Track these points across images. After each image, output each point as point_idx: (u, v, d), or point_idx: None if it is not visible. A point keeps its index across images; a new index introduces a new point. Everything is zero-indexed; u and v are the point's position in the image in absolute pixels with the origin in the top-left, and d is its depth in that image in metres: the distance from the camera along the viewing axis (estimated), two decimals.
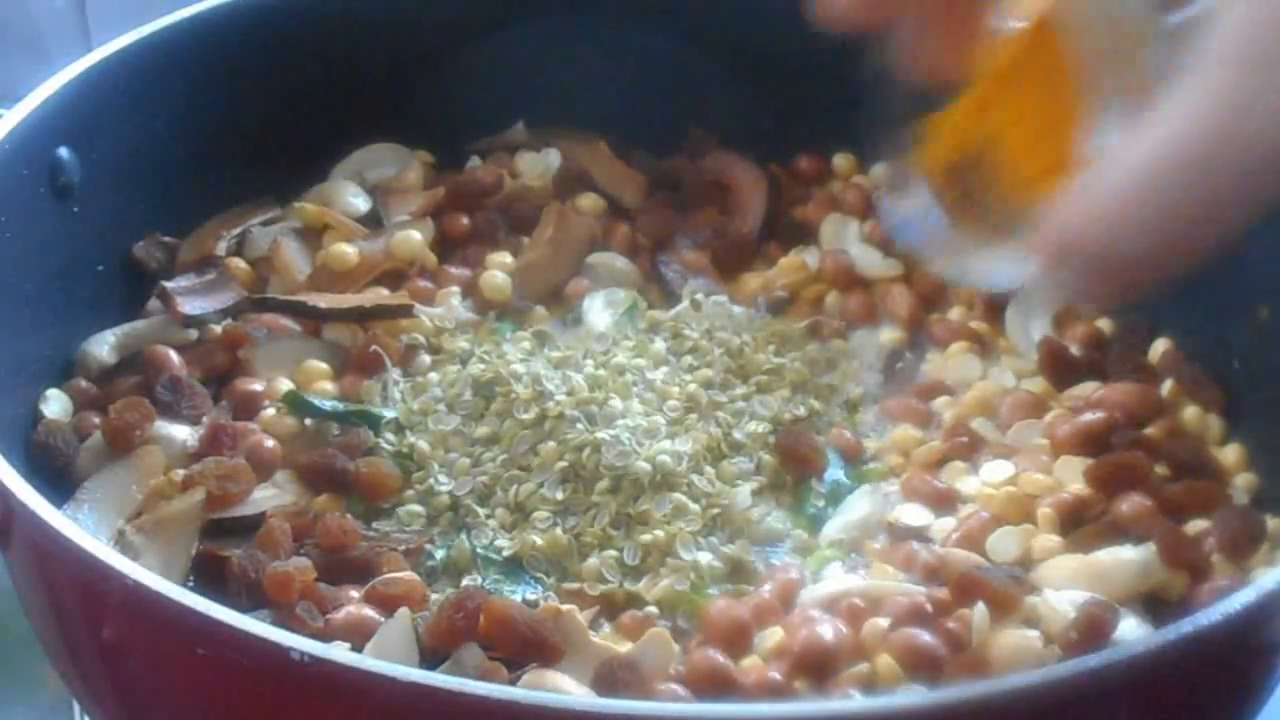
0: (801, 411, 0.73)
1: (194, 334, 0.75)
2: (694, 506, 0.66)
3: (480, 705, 0.47)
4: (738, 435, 0.70)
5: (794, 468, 0.70)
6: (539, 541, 0.65)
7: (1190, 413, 0.72)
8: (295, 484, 0.68)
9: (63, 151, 0.72)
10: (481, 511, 0.67)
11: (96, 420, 0.69)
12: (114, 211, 0.76)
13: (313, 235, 0.81)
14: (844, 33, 0.56)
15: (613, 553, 0.65)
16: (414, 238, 0.81)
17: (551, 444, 0.68)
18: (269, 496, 0.67)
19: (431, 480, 0.68)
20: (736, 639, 0.61)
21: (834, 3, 0.56)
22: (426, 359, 0.75)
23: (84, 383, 0.72)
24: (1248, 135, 0.46)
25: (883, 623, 0.60)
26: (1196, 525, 0.66)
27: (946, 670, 0.59)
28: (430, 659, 0.59)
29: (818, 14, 0.56)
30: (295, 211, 0.82)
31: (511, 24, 0.85)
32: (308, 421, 0.71)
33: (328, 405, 0.72)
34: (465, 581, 0.64)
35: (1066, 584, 0.63)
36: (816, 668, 0.59)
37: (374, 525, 0.67)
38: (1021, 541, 0.65)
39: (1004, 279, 0.61)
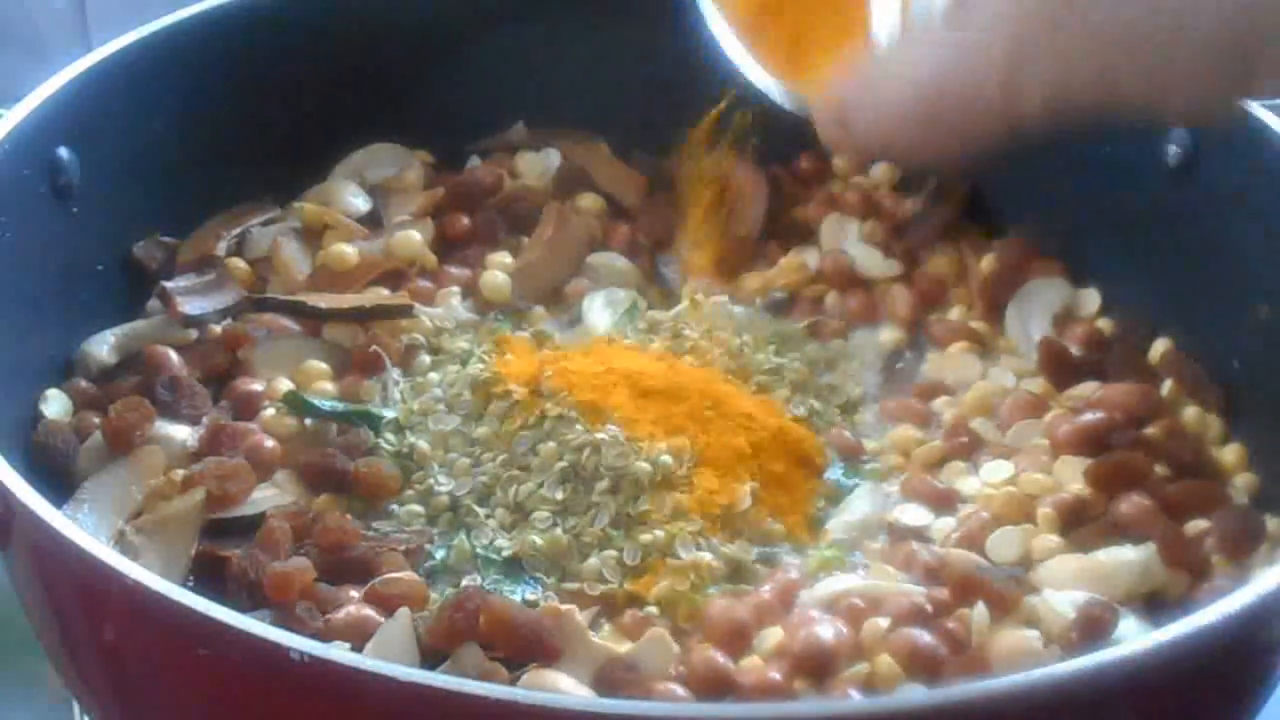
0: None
1: (194, 334, 0.75)
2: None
3: (480, 705, 0.47)
4: None
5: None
6: (539, 541, 0.65)
7: (1190, 413, 0.72)
8: (295, 484, 0.68)
9: (63, 151, 0.72)
10: (481, 511, 0.67)
11: (96, 420, 0.69)
12: (114, 211, 0.76)
13: (313, 235, 0.81)
14: None
15: (613, 553, 0.65)
16: (414, 238, 0.81)
17: (551, 444, 0.68)
18: (269, 496, 0.67)
19: (431, 480, 0.68)
20: (736, 639, 0.61)
21: None
22: (426, 359, 0.75)
23: (84, 383, 0.72)
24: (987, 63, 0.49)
25: (883, 623, 0.60)
26: (1196, 525, 0.66)
27: (946, 670, 0.58)
28: (430, 659, 0.59)
29: None
30: (295, 211, 0.82)
31: (511, 24, 0.85)
32: (308, 421, 0.71)
33: (328, 405, 0.72)
34: (465, 581, 0.64)
35: (1066, 584, 0.63)
36: (816, 668, 0.59)
37: (374, 525, 0.67)
38: (1021, 541, 0.65)
39: (788, 103, 0.64)
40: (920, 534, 0.67)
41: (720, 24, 0.56)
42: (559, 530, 0.66)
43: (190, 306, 0.75)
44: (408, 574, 0.63)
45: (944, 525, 0.67)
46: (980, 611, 0.60)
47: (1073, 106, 0.49)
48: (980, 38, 0.47)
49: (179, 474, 0.67)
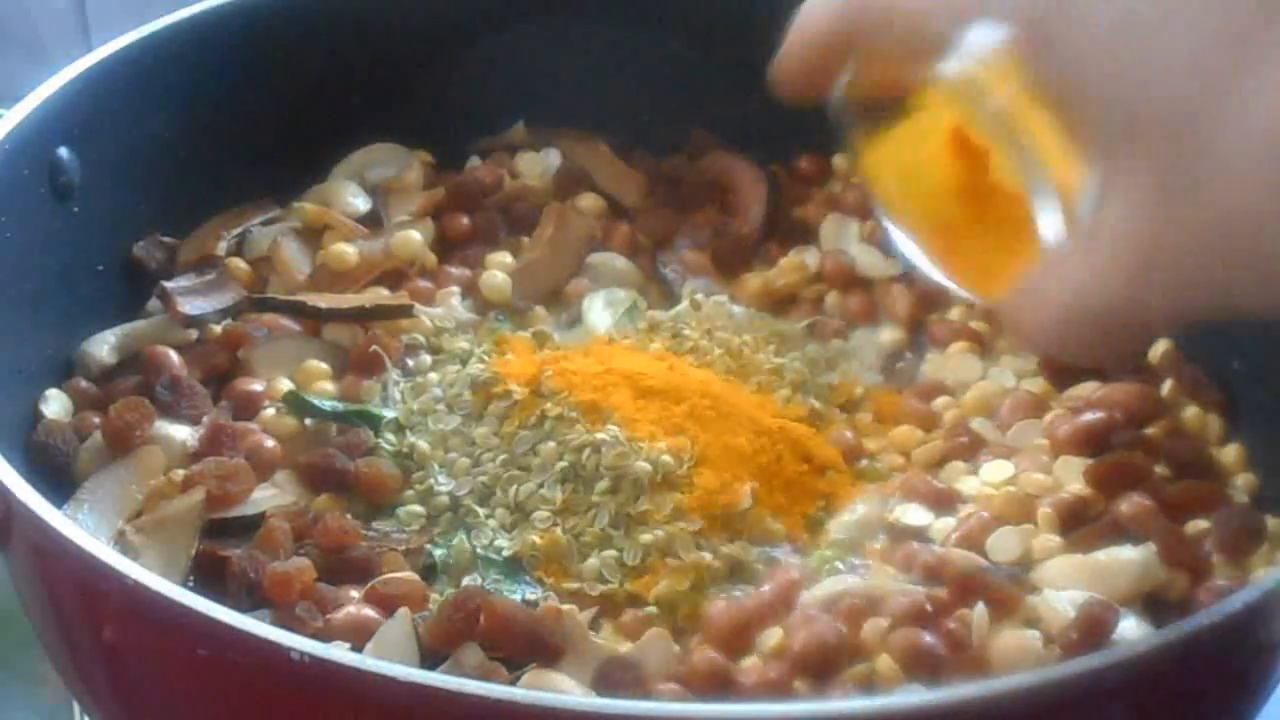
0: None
1: (194, 334, 0.75)
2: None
3: (480, 705, 0.47)
4: None
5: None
6: (539, 541, 0.65)
7: (1190, 413, 0.72)
8: (295, 484, 0.68)
9: (63, 151, 0.72)
10: (481, 511, 0.67)
11: (96, 420, 0.69)
12: (114, 211, 0.76)
13: (313, 235, 0.81)
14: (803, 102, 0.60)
15: (613, 553, 0.65)
16: (414, 238, 0.81)
17: (551, 444, 0.68)
18: (269, 496, 0.67)
19: (431, 480, 0.68)
20: (736, 639, 0.61)
21: (788, 71, 0.60)
22: (426, 359, 0.75)
23: (84, 383, 0.72)
24: (1161, 279, 0.51)
25: (883, 623, 0.60)
26: (1196, 525, 0.66)
27: (946, 670, 0.58)
28: (430, 659, 0.59)
29: (777, 87, 0.60)
30: (295, 211, 0.82)
31: (511, 24, 0.85)
32: (308, 421, 0.71)
33: (328, 405, 0.72)
34: (465, 581, 0.64)
35: (1066, 584, 0.63)
36: (816, 668, 0.59)
37: (374, 525, 0.67)
38: (1021, 541, 0.65)
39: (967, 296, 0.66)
40: (920, 534, 0.67)
41: (910, 247, 0.59)
42: (559, 530, 0.66)
43: (190, 306, 0.75)
44: (408, 574, 0.63)
45: (944, 525, 0.67)
46: (980, 611, 0.60)
47: (1197, 314, 0.53)
48: (1109, 258, 0.51)
49: (179, 474, 0.67)
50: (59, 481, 0.66)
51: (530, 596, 0.64)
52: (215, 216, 0.81)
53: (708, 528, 0.66)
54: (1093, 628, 0.59)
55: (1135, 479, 0.67)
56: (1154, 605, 0.63)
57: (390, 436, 0.71)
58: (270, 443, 0.69)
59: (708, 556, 0.65)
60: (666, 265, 0.82)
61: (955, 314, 0.79)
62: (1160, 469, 0.68)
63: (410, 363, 0.75)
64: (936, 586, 0.62)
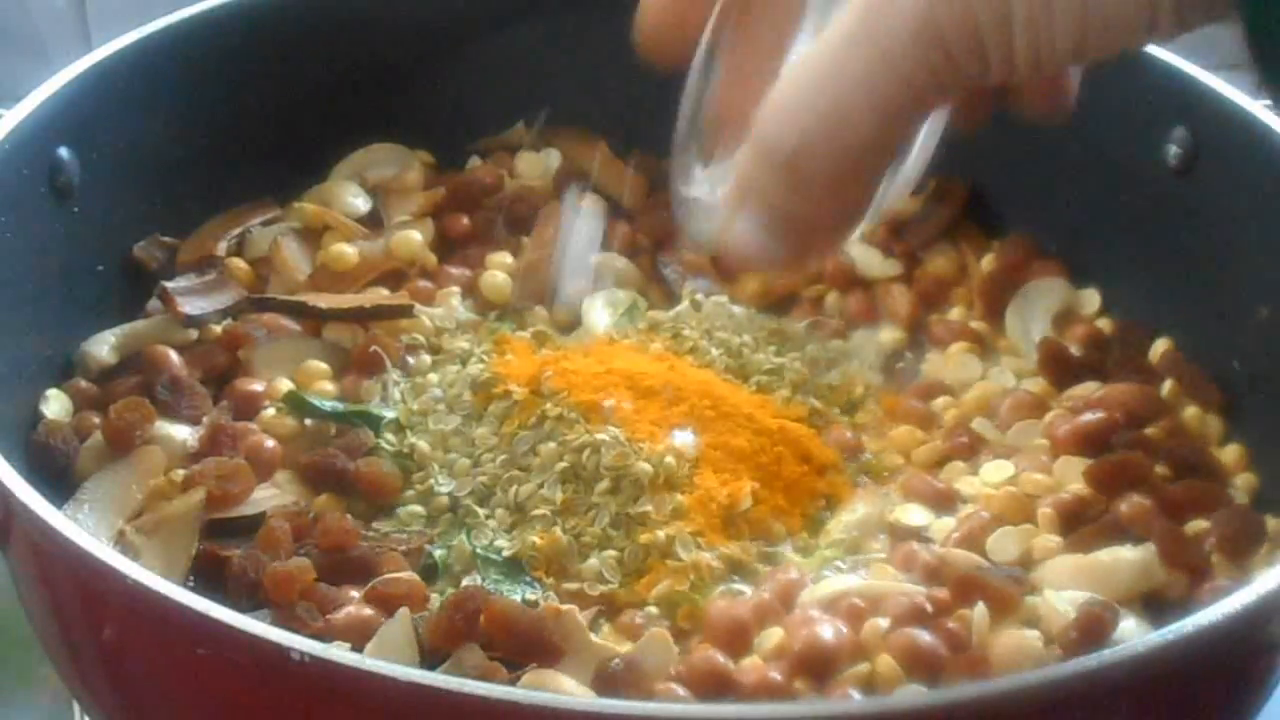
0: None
1: (194, 334, 0.75)
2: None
3: (480, 705, 0.47)
4: None
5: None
6: (539, 542, 0.65)
7: (1190, 413, 0.72)
8: (295, 484, 0.68)
9: (63, 151, 0.72)
10: (481, 512, 0.67)
11: (96, 420, 0.69)
12: (114, 211, 0.76)
13: (313, 235, 0.81)
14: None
15: (613, 553, 0.65)
16: (414, 238, 0.81)
17: (551, 444, 0.68)
18: (269, 496, 0.67)
19: (431, 480, 0.68)
20: (736, 639, 0.61)
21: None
22: (427, 359, 0.75)
23: (84, 383, 0.72)
24: (894, 16, 0.48)
25: (883, 623, 0.60)
26: (1196, 525, 0.66)
27: (946, 670, 0.59)
28: (430, 659, 0.59)
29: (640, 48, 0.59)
30: (295, 211, 0.82)
31: (513, 24, 0.85)
32: (308, 421, 0.71)
33: (328, 405, 0.72)
34: (465, 581, 0.64)
35: (1066, 584, 0.63)
36: (816, 668, 0.59)
37: (374, 525, 0.67)
38: (1021, 541, 0.65)
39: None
40: (920, 534, 0.67)
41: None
42: (559, 530, 0.66)
43: (190, 306, 0.75)
44: (408, 574, 0.63)
45: (944, 525, 0.67)
46: (980, 611, 0.60)
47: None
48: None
49: (179, 474, 0.67)
50: (59, 481, 0.66)
51: (530, 596, 0.64)
52: (215, 216, 0.81)
53: (708, 528, 0.66)
54: (1093, 628, 0.59)
55: (1135, 479, 0.67)
56: (1154, 605, 0.63)
57: (390, 436, 0.71)
58: (270, 443, 0.69)
59: (708, 556, 0.65)
60: (666, 265, 0.82)
61: (955, 314, 0.79)
62: (1160, 469, 0.68)
63: (410, 362, 0.75)
64: (936, 586, 0.62)
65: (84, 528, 0.59)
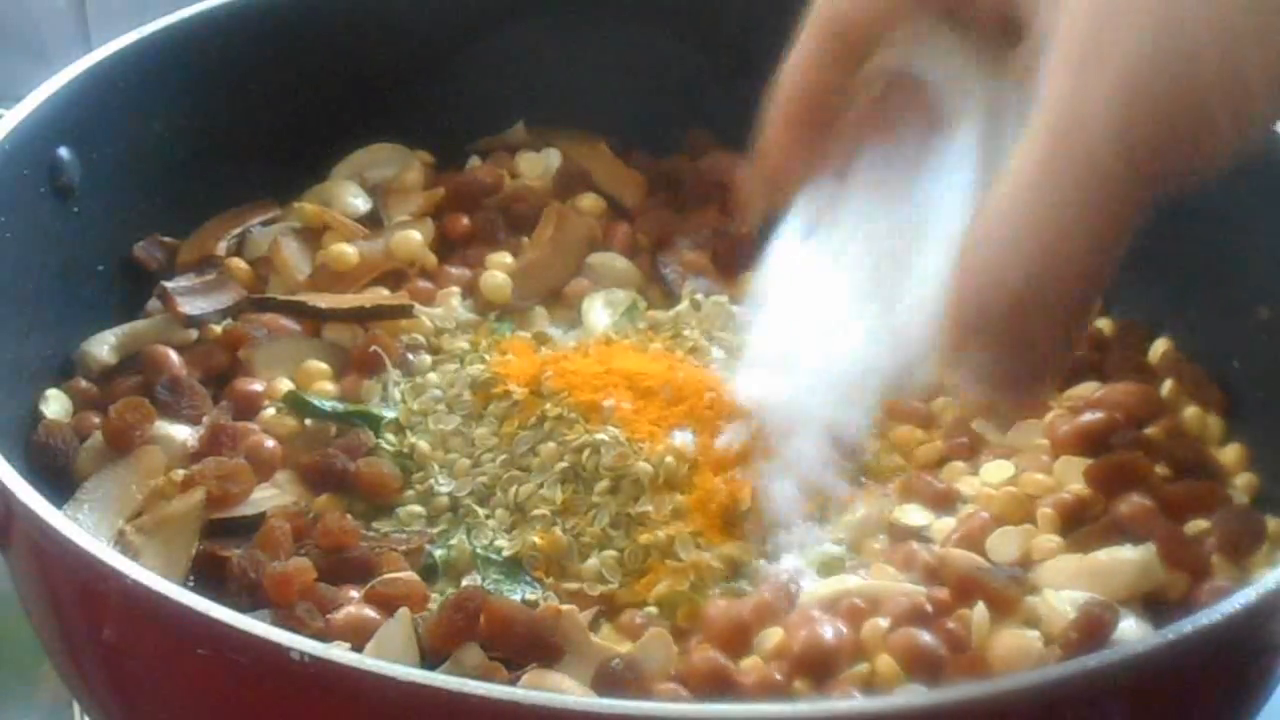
0: None
1: (194, 334, 0.75)
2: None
3: (480, 705, 0.47)
4: None
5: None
6: (539, 542, 0.65)
7: (1190, 413, 0.72)
8: (295, 484, 0.68)
9: (63, 151, 0.72)
10: (481, 511, 0.67)
11: (96, 420, 0.69)
12: (114, 211, 0.76)
13: (313, 235, 0.81)
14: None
15: (613, 553, 0.65)
16: (414, 238, 0.81)
17: (551, 444, 0.68)
18: (269, 496, 0.67)
19: (431, 480, 0.68)
20: (736, 639, 0.61)
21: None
22: (427, 359, 0.75)
23: (84, 383, 0.72)
24: (1090, 134, 0.45)
25: (883, 623, 0.60)
26: (1196, 525, 0.66)
27: (946, 670, 0.58)
28: (430, 659, 0.59)
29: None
30: (295, 211, 0.82)
31: (511, 24, 0.85)
32: (308, 421, 0.71)
33: (328, 405, 0.72)
34: (465, 581, 0.64)
35: (1066, 584, 0.63)
36: (816, 668, 0.59)
37: (374, 525, 0.67)
38: (1021, 541, 0.65)
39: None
40: (920, 534, 0.67)
41: None
42: (559, 530, 0.66)
43: (190, 306, 0.75)
44: (408, 574, 0.63)
45: (944, 525, 0.67)
46: (980, 611, 0.60)
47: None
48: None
49: (179, 474, 0.67)
50: (59, 481, 0.66)
51: (530, 596, 0.64)
52: (215, 216, 0.81)
53: (708, 528, 0.66)
54: (1093, 628, 0.59)
55: (1135, 479, 0.67)
56: (1154, 605, 0.63)
57: (390, 437, 0.71)
58: (270, 443, 0.69)
59: (708, 557, 0.65)
60: (666, 265, 0.82)
61: None
62: (1160, 469, 0.68)
63: (410, 362, 0.75)
64: (936, 587, 0.62)
65: (84, 528, 0.59)
